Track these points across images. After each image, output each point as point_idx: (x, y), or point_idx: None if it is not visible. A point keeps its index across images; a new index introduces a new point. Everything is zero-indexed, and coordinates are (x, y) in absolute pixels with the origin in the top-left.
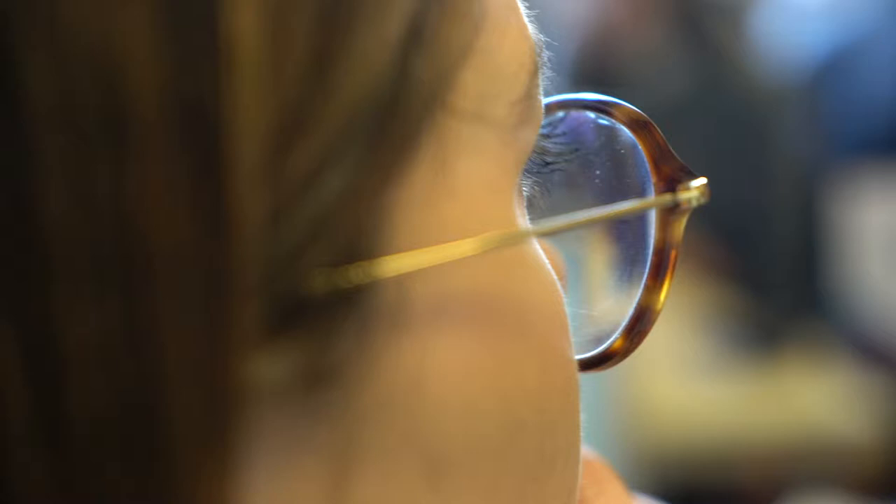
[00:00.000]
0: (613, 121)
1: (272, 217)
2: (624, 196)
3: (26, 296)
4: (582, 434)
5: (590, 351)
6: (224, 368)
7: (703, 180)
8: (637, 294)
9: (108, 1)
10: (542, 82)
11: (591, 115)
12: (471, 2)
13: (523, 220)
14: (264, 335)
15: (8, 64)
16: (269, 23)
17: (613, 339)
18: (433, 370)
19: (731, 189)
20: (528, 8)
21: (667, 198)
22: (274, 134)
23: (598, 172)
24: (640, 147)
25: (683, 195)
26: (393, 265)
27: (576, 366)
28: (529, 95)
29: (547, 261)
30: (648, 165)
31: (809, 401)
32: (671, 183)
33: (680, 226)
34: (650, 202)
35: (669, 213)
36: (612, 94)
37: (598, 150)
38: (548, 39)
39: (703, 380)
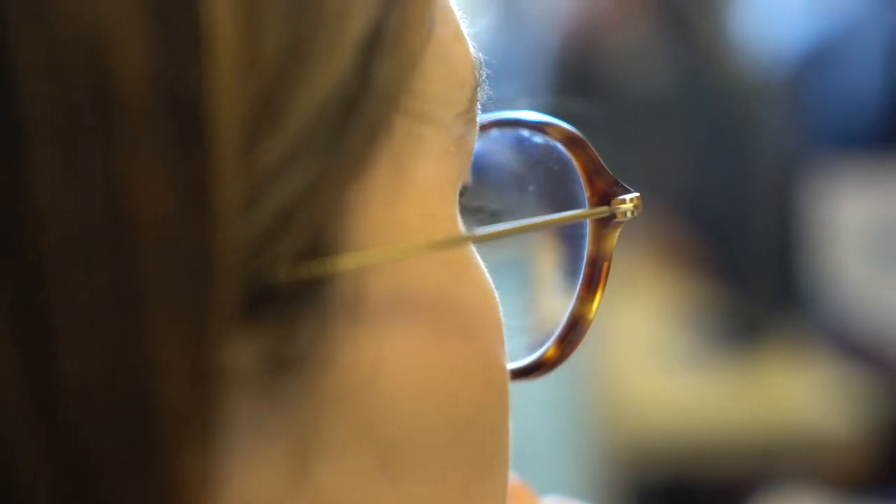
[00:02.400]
0: (548, 139)
1: (245, 204)
2: (560, 209)
3: (20, 269)
4: (560, 426)
5: (522, 359)
6: (207, 345)
7: (636, 194)
8: (570, 304)
9: None
10: (480, 99)
11: (526, 132)
12: (424, 11)
13: (464, 226)
14: (238, 319)
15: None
16: (244, 15)
17: (546, 348)
18: (387, 363)
19: (711, 183)
20: (513, 3)
21: (602, 209)
22: (248, 123)
23: (532, 188)
24: (575, 163)
25: (619, 207)
26: (352, 260)
27: (507, 372)
28: (471, 108)
29: (484, 267)
30: (582, 181)
31: (788, 395)
32: (605, 197)
33: (613, 239)
34: (586, 212)
35: (603, 225)
36: (595, 88)
37: (533, 166)
38: (530, 35)
39: (681, 373)
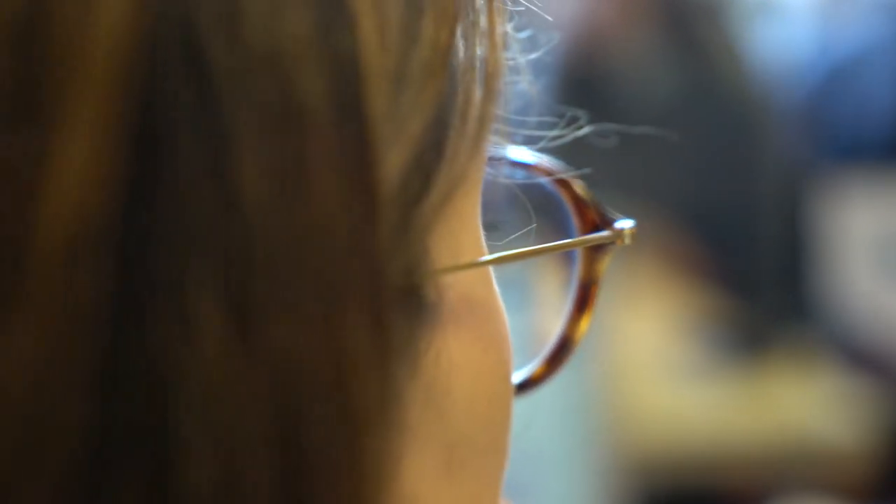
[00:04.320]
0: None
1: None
2: (555, 226)
3: (233, 264)
4: (568, 437)
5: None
6: (387, 341)
7: (631, 222)
8: (561, 326)
9: (279, 7)
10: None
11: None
12: (502, 42)
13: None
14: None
15: (198, 51)
16: (384, 34)
17: (536, 367)
18: (454, 367)
19: (718, 192)
20: (514, 8)
21: (605, 235)
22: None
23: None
24: (564, 198)
25: (621, 234)
26: (443, 271)
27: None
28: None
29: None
30: (571, 213)
31: (795, 405)
32: (596, 228)
33: (604, 264)
34: (590, 239)
35: (596, 251)
36: (600, 97)
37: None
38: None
39: (689, 384)
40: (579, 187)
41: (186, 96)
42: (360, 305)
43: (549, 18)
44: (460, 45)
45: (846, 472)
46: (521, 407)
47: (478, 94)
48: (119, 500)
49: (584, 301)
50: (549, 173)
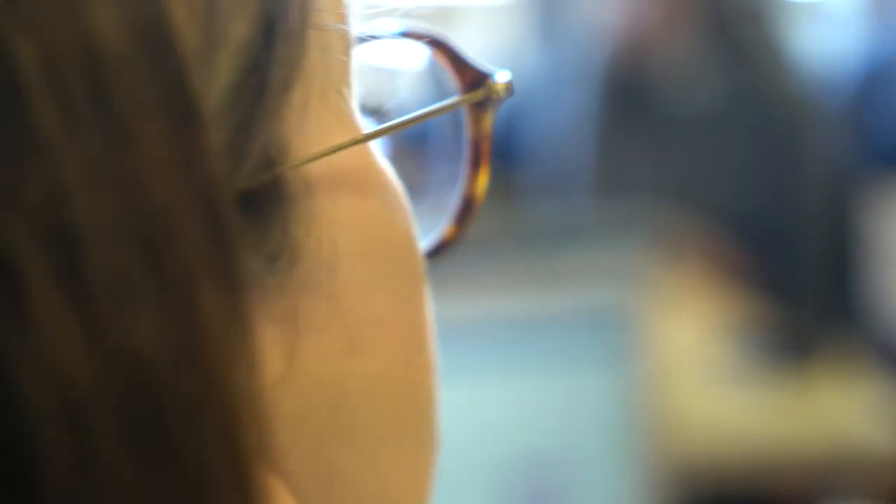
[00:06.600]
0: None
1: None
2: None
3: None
4: (611, 442)
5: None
6: (231, 250)
7: (507, 75)
8: (460, 186)
9: None
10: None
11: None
12: None
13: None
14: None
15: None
16: None
17: (444, 229)
18: (339, 242)
19: (762, 197)
20: (561, 15)
21: (479, 93)
22: (202, 56)
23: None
24: (442, 61)
25: (493, 88)
26: (298, 159)
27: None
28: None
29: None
30: (451, 75)
31: (839, 410)
32: (475, 84)
33: (489, 119)
34: (467, 97)
35: (479, 108)
36: (643, 102)
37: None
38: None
39: (733, 389)
40: (455, 47)
41: None
42: (195, 219)
43: (593, 24)
44: None
45: (890, 478)
46: (566, 411)
47: None
48: None
49: (477, 158)
50: (423, 37)
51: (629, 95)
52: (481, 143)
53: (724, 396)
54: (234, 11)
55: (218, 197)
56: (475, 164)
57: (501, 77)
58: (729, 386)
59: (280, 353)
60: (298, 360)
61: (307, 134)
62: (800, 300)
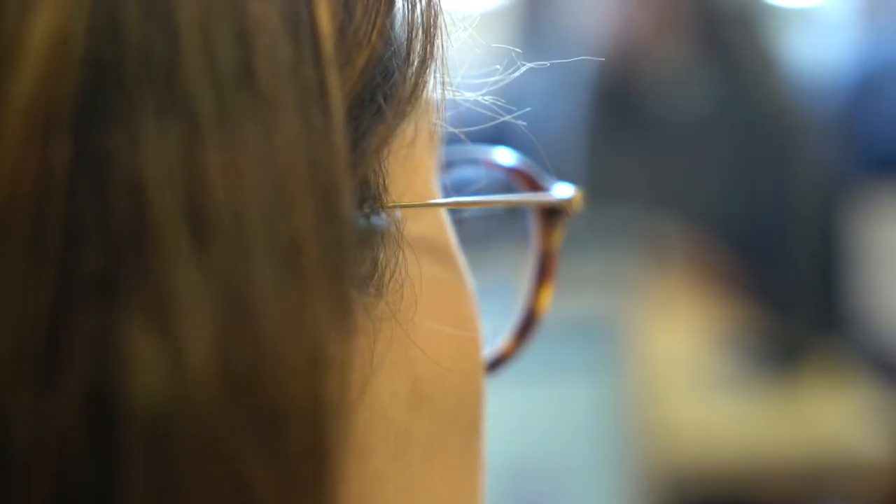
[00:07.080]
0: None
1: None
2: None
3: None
4: (600, 449)
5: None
6: (345, 275)
7: (576, 191)
8: (524, 299)
9: None
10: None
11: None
12: None
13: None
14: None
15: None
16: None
17: (505, 342)
18: (418, 299)
19: (752, 204)
20: (551, 24)
21: (548, 198)
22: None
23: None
24: (517, 182)
25: (563, 198)
26: (397, 204)
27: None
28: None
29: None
30: (524, 189)
31: (828, 417)
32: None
33: (559, 235)
34: (533, 198)
35: (549, 221)
36: (634, 110)
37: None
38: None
39: (721, 396)
40: (534, 174)
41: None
42: (313, 211)
43: (583, 33)
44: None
45: (879, 485)
46: (555, 420)
47: (417, 47)
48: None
49: (543, 272)
50: (499, 168)
51: (619, 102)
52: (548, 258)
53: (714, 404)
54: (370, 24)
55: (339, 193)
56: (540, 279)
57: (572, 192)
58: (719, 394)
59: (358, 377)
60: (369, 392)
61: (399, 184)
62: (790, 307)
